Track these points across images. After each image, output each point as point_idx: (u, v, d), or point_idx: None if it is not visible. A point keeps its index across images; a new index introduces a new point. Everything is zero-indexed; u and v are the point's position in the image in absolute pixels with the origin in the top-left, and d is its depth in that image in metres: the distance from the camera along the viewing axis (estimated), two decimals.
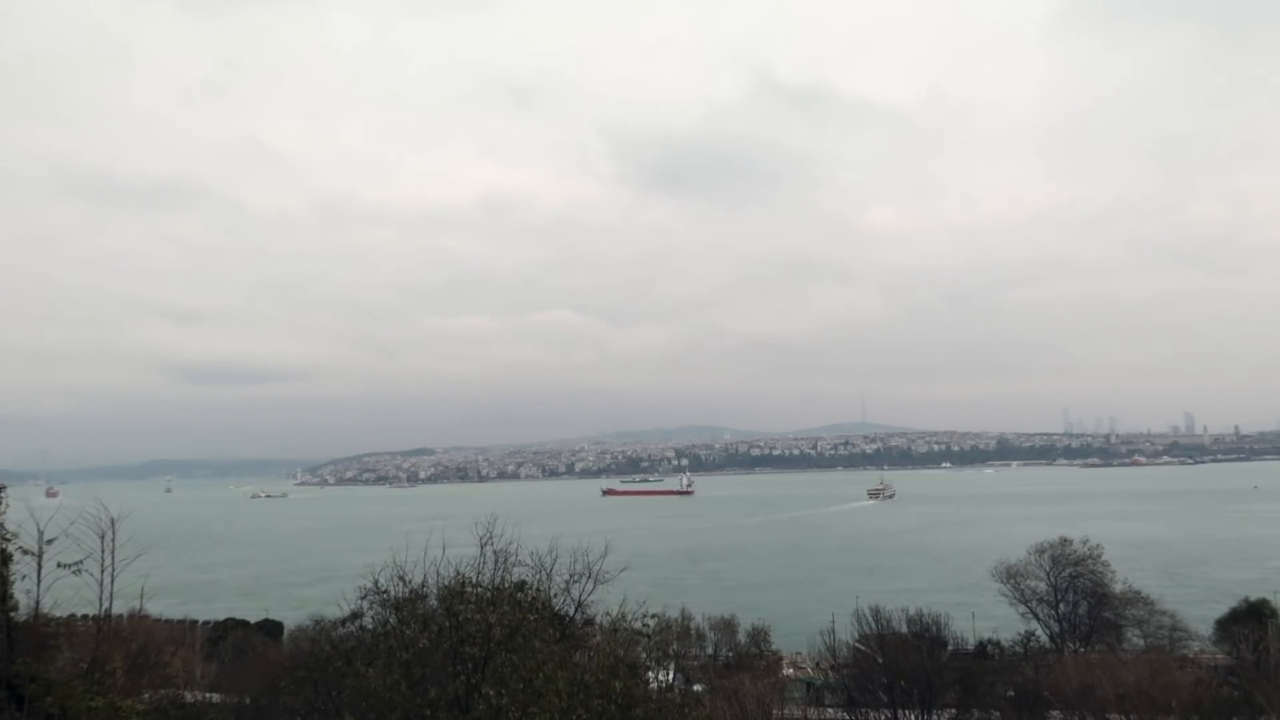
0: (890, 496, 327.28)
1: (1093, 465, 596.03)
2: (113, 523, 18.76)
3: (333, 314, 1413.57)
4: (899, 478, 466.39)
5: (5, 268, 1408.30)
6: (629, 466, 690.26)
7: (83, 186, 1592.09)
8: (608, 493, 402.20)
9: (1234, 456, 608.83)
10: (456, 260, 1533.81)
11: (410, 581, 21.02)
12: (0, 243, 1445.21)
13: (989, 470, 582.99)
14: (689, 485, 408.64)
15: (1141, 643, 61.78)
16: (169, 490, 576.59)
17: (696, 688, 43.94)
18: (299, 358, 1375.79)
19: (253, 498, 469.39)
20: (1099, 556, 67.60)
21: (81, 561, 18.25)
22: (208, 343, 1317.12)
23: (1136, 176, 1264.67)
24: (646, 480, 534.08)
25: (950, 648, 55.71)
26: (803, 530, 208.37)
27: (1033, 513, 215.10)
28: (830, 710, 49.48)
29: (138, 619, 30.18)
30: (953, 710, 44.60)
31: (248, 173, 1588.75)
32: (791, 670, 62.22)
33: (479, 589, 19.80)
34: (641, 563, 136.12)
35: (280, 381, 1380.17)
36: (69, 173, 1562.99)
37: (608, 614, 22.96)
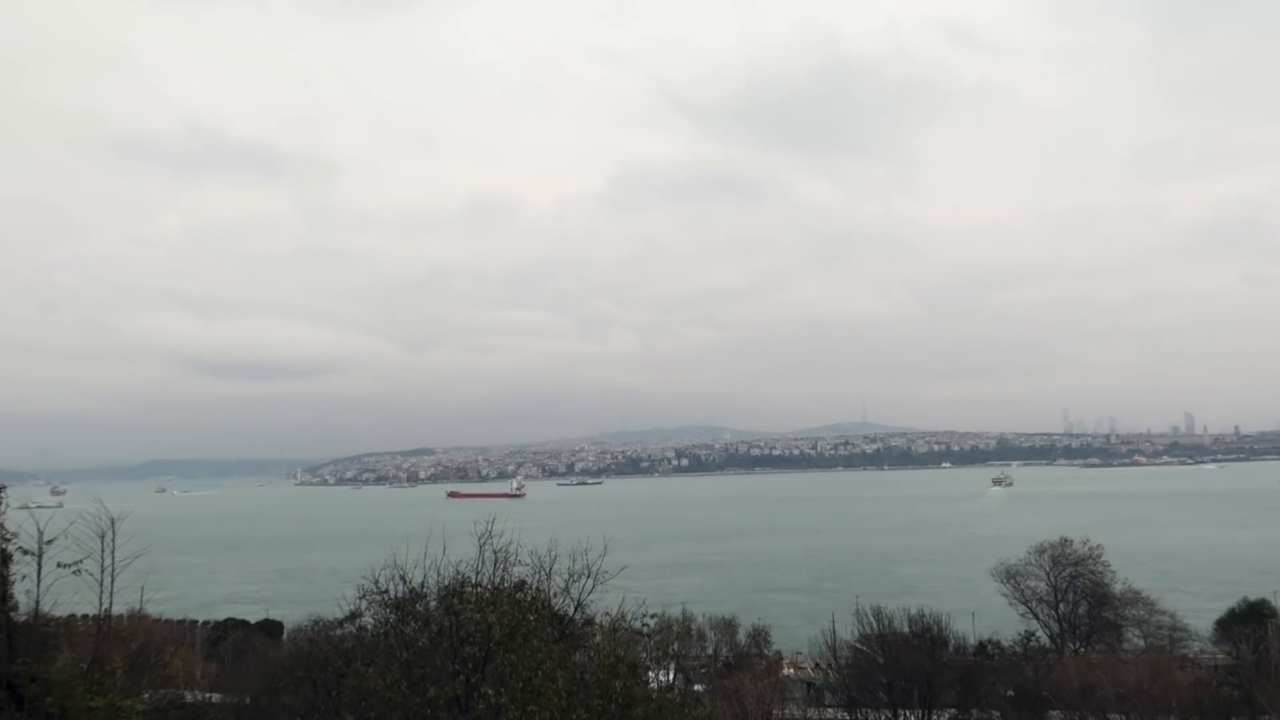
0: (1010, 484, 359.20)
1: (1093, 465, 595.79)
2: (113, 523, 18.76)
3: (353, 306, 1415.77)
4: (901, 478, 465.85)
5: (5, 263, 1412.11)
6: (629, 467, 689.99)
7: (116, 142, 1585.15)
8: (452, 495, 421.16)
9: (1234, 456, 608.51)
10: (473, 253, 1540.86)
11: (410, 581, 21.02)
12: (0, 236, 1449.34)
13: (1124, 466, 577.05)
14: (519, 489, 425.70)
15: (1141, 643, 61.74)
16: (162, 491, 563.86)
17: (696, 688, 43.91)
18: (305, 354, 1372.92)
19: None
20: (1099, 557, 67.60)
21: (81, 561, 18.26)
22: (214, 339, 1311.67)
23: (1121, 180, 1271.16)
24: (530, 482, 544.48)
25: (951, 648, 55.62)
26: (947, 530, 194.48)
27: (1183, 514, 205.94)
28: (830, 710, 49.45)
29: (138, 619, 30.17)
30: (953, 710, 44.57)
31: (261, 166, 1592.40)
32: (791, 670, 62.18)
33: (478, 588, 19.81)
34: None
35: (284, 379, 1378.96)
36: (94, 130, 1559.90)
37: (607, 614, 22.94)
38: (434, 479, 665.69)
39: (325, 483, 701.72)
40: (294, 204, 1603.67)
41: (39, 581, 17.77)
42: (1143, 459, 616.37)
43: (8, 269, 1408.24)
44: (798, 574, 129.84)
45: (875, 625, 52.39)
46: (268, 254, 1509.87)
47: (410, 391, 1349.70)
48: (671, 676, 27.59)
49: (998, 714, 44.80)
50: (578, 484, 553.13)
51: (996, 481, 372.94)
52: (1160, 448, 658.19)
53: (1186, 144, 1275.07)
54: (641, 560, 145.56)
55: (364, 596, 21.70)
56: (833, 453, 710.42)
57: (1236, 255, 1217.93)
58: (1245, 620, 58.34)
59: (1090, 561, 67.26)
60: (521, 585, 21.44)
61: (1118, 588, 66.73)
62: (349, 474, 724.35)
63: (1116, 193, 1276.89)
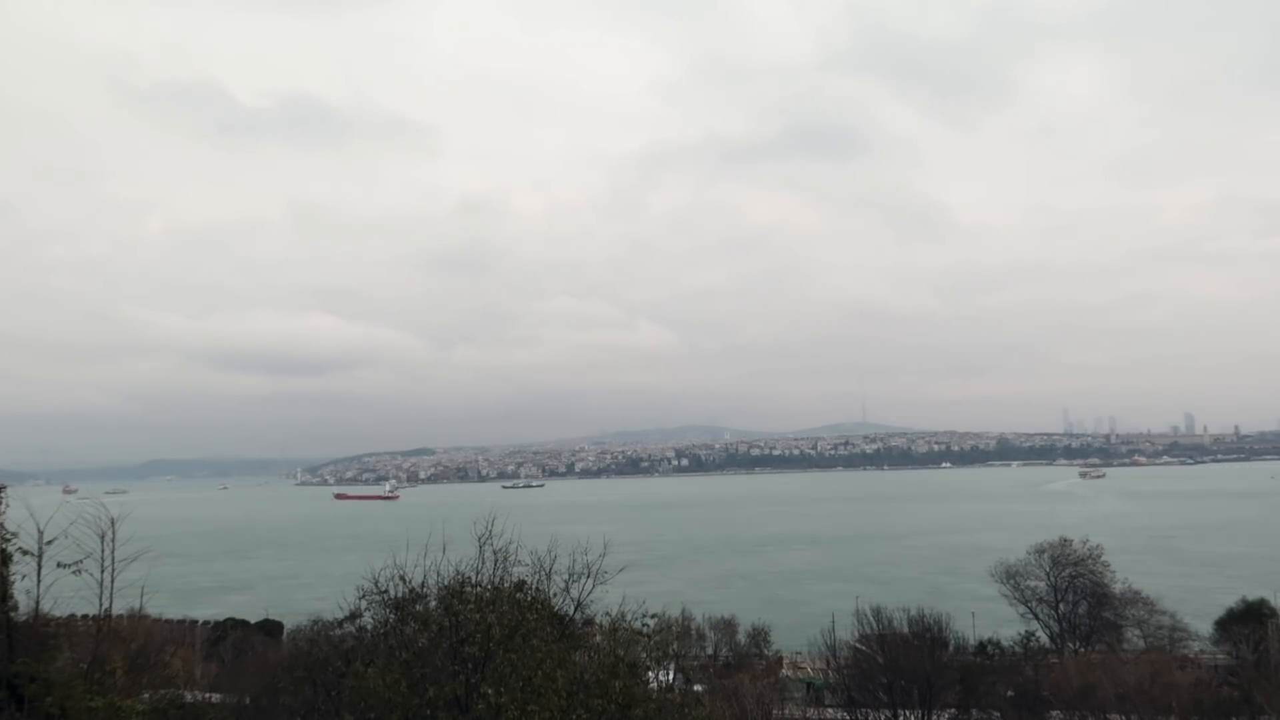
0: (1101, 477, 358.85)
1: (1092, 465, 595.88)
2: (113, 523, 18.74)
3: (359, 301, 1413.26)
4: (901, 477, 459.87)
5: (3, 258, 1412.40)
6: (629, 467, 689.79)
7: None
8: (338, 496, 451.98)
9: (1234, 456, 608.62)
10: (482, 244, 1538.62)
11: (410, 581, 21.00)
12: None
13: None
14: (392, 491, 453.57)
15: (1141, 643, 61.76)
16: (123, 493, 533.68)
17: (696, 688, 43.90)
18: (317, 350, 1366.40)
19: None
20: (1099, 557, 67.61)
21: (81, 561, 18.23)
22: (222, 334, 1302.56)
23: (1112, 182, 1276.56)
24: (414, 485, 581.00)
25: (951, 648, 55.65)
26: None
27: None
28: (830, 710, 49.45)
29: (138, 619, 30.13)
30: (953, 710, 44.58)
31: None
32: (791, 670, 62.17)
33: (478, 588, 19.79)
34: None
35: (298, 375, 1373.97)
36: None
37: (607, 614, 22.93)
38: (434, 479, 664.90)
39: (325, 483, 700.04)
40: (286, 205, 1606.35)
41: (39, 581, 17.74)
42: (1143, 459, 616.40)
43: (6, 268, 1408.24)
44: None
45: (875, 625, 52.45)
46: (263, 253, 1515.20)
47: (419, 390, 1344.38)
48: (671, 676, 27.57)
49: (998, 714, 44.81)
50: (523, 487, 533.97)
51: (1083, 476, 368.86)
52: (1160, 448, 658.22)
53: (1179, 145, 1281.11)
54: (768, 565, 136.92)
55: (364, 597, 21.68)
56: (833, 453, 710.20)
57: (1235, 254, 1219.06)
58: (1244, 620, 58.36)
59: (1090, 562, 67.31)
60: (521, 585, 21.41)
61: (1117, 588, 66.77)
62: (349, 474, 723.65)
63: (1105, 195, 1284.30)
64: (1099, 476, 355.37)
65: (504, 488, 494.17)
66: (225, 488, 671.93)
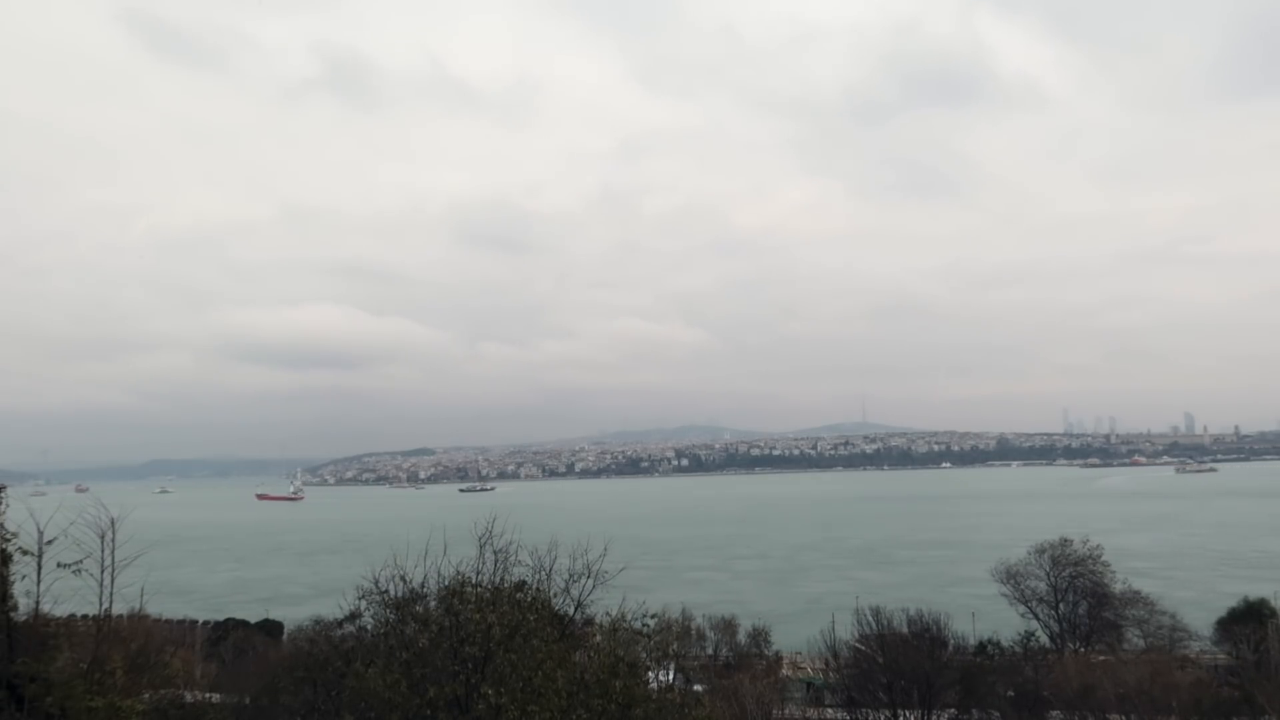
0: (1209, 471, 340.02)
1: (1093, 465, 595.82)
2: (113, 523, 18.74)
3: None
4: (902, 477, 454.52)
5: (3, 257, 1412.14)
6: (629, 467, 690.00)
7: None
8: (260, 497, 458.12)
9: (1234, 456, 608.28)
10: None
11: (410, 581, 21.01)
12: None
13: None
14: (297, 493, 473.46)
15: (1142, 643, 61.72)
16: (41, 495, 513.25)
17: (696, 688, 43.89)
18: (327, 346, 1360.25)
19: None
20: (1099, 557, 67.59)
21: (81, 561, 18.24)
22: (227, 333, 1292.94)
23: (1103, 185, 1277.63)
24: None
25: (951, 648, 55.62)
26: None
27: None
28: (830, 710, 49.46)
29: (138, 619, 30.10)
30: (953, 710, 44.59)
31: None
32: (791, 671, 62.16)
33: (479, 589, 19.80)
34: None
35: (307, 370, 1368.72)
36: None
37: (607, 614, 22.93)
38: (434, 479, 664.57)
39: (325, 483, 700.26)
40: (279, 208, 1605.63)
41: (39, 581, 17.74)
42: (1143, 459, 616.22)
43: (5, 266, 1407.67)
44: None
45: (875, 625, 52.38)
46: (258, 255, 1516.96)
47: (428, 389, 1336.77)
48: (671, 676, 27.58)
49: (998, 714, 44.80)
50: (481, 490, 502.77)
51: (1178, 471, 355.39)
52: (1160, 448, 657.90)
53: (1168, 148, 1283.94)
54: None
55: (364, 597, 21.68)
56: (833, 453, 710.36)
57: (1233, 256, 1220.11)
58: (1245, 620, 58.31)
59: (1090, 561, 67.28)
60: (521, 585, 21.44)
61: (1118, 588, 66.74)
62: (349, 474, 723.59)
63: (1095, 199, 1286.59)
64: (1208, 470, 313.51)
65: (460, 490, 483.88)
66: (164, 490, 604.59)
